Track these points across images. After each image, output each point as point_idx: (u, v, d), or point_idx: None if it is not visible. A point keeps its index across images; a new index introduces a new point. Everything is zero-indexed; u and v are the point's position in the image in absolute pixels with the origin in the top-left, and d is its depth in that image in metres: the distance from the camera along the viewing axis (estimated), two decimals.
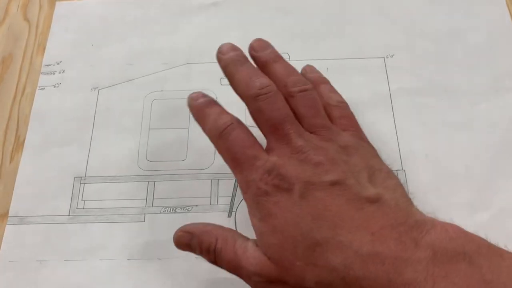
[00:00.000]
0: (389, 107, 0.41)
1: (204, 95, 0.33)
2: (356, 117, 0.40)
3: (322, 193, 0.27)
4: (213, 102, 0.33)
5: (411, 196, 0.36)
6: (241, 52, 0.33)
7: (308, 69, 0.38)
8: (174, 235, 0.32)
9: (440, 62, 0.43)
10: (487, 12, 0.45)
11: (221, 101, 0.41)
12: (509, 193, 0.37)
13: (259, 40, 0.35)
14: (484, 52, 0.43)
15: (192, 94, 0.33)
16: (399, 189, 0.30)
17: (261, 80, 0.31)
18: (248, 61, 0.33)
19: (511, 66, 0.42)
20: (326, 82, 0.37)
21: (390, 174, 0.31)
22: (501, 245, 0.35)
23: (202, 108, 0.32)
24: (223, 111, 0.32)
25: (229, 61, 0.32)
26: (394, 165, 0.38)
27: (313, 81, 0.35)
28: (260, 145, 0.30)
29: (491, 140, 0.39)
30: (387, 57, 0.43)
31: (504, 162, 0.38)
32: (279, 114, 0.30)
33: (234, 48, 0.33)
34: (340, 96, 0.35)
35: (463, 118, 0.40)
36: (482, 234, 0.35)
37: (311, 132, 0.30)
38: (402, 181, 0.37)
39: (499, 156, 0.38)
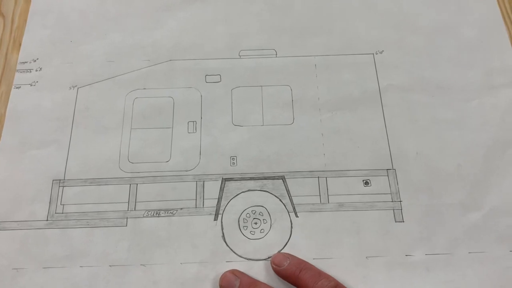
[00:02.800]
0: (378, 104, 0.40)
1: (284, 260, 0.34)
2: (345, 114, 0.39)
3: None
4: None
5: (402, 196, 0.36)
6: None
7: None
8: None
9: (431, 58, 0.42)
10: (478, 7, 0.44)
11: (206, 98, 0.40)
12: (501, 192, 0.36)
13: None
14: (476, 48, 0.42)
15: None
16: None
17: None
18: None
19: (503, 62, 0.41)
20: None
21: None
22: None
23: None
24: None
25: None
26: (384, 164, 0.37)
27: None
28: None
29: (483, 137, 0.38)
30: (376, 53, 0.42)
31: (496, 161, 0.37)
32: None
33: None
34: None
35: (455, 115, 0.39)
36: (474, 234, 0.35)
37: None
38: (393, 181, 0.37)
39: (491, 154, 0.37)
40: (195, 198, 0.36)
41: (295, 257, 0.34)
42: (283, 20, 0.44)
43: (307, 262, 0.33)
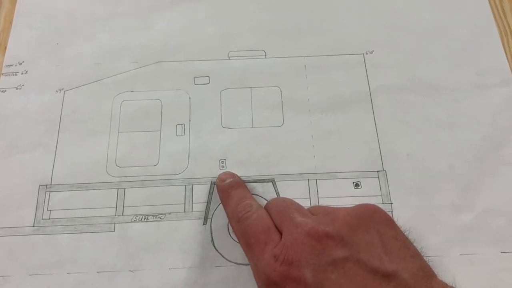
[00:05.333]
0: (369, 105, 0.39)
1: (232, 176, 0.35)
2: (335, 116, 0.39)
3: (336, 275, 0.26)
4: (238, 184, 0.34)
5: (393, 198, 0.36)
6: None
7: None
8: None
9: (422, 57, 0.41)
10: (469, 7, 0.43)
11: (195, 101, 0.40)
12: (493, 193, 0.36)
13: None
14: (467, 48, 0.42)
15: (221, 174, 0.36)
16: (418, 260, 0.28)
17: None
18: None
19: (494, 62, 0.41)
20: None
21: (406, 242, 0.28)
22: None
23: (227, 190, 0.34)
24: (245, 195, 0.33)
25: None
26: (374, 166, 0.37)
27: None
28: (275, 229, 0.29)
29: (475, 138, 0.38)
30: (366, 53, 0.41)
31: (488, 161, 0.37)
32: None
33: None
34: None
35: (446, 116, 0.39)
36: (465, 236, 0.35)
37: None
38: (383, 183, 0.36)
39: (483, 155, 0.37)
40: (183, 203, 0.36)
41: (239, 178, 0.35)
42: (273, 21, 0.43)
43: (244, 184, 0.35)
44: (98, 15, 0.44)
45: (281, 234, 0.29)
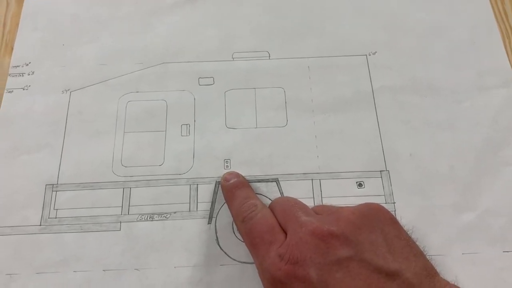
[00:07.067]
0: (372, 106, 0.40)
1: (237, 176, 0.35)
2: (338, 116, 0.39)
3: (340, 274, 0.26)
4: (242, 184, 0.35)
5: (395, 198, 0.36)
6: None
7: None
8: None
9: (423, 59, 0.42)
10: (470, 8, 0.44)
11: (199, 101, 0.40)
12: (494, 193, 0.36)
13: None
14: (468, 49, 0.42)
15: (226, 174, 0.36)
16: (421, 259, 0.28)
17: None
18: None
19: (495, 63, 0.41)
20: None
21: (409, 242, 0.29)
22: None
23: (231, 190, 0.34)
24: (249, 195, 0.34)
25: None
26: (377, 166, 0.37)
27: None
28: (280, 229, 0.30)
29: (475, 139, 0.38)
30: (369, 55, 0.42)
31: (488, 161, 0.37)
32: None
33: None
34: None
35: (447, 117, 0.39)
36: (467, 235, 0.35)
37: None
38: (386, 183, 0.37)
39: (483, 156, 0.38)
40: (188, 202, 0.36)
41: (244, 178, 0.36)
42: (276, 22, 0.44)
43: (249, 184, 0.35)
44: (101, 17, 0.44)
45: (285, 233, 0.29)
